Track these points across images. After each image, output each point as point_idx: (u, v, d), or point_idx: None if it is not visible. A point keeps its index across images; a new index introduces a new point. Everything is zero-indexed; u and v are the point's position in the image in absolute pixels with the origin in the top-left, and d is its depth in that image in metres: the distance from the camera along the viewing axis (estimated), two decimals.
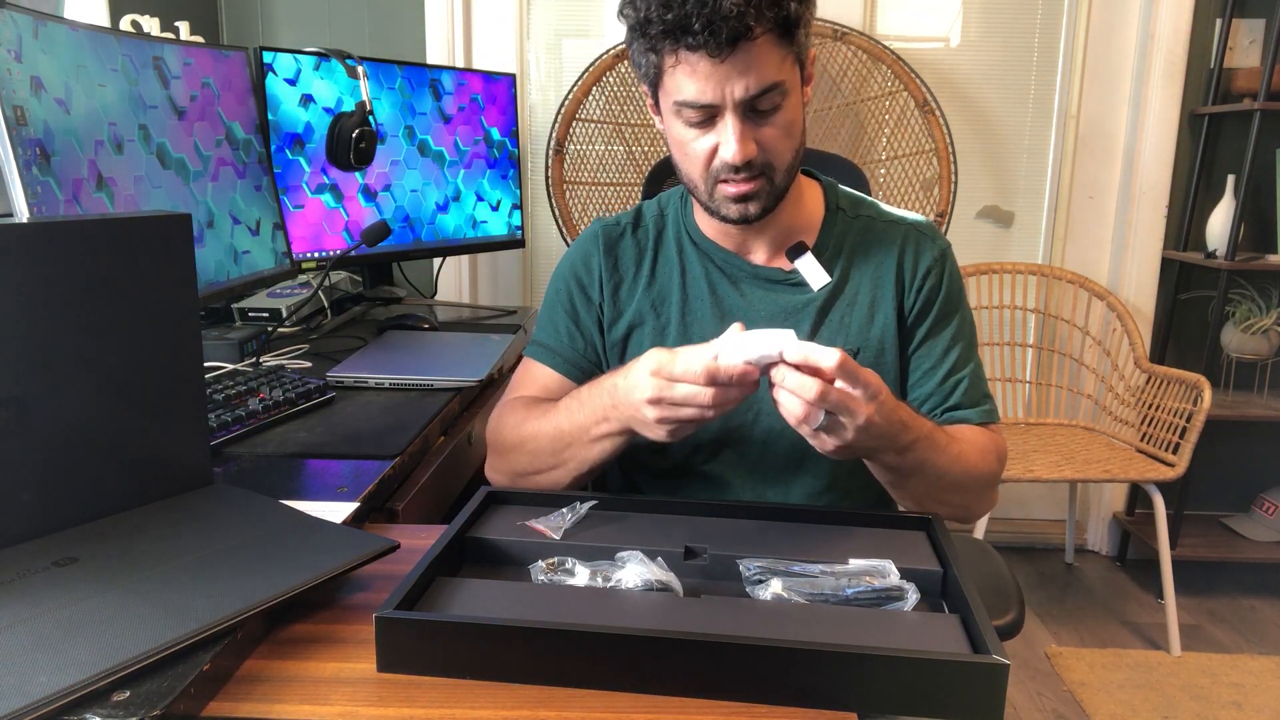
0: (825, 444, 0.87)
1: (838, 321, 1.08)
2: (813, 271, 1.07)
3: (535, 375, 1.13)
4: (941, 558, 0.83)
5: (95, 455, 0.80)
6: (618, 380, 0.92)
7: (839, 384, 0.83)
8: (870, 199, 1.16)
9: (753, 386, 0.86)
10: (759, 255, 1.10)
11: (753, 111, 0.95)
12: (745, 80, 0.92)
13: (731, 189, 0.99)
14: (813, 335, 1.07)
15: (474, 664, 0.67)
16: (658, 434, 0.89)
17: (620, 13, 0.97)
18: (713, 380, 0.83)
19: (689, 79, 0.93)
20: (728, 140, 0.95)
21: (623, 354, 1.12)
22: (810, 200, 1.12)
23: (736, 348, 0.84)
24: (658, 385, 0.86)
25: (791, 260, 1.08)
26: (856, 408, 0.84)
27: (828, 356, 0.82)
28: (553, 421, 1.01)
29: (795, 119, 0.98)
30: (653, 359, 0.87)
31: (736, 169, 0.97)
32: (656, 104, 1.01)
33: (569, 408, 0.99)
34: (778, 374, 0.83)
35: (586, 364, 1.12)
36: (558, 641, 0.67)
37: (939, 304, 1.09)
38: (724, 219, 1.03)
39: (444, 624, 0.68)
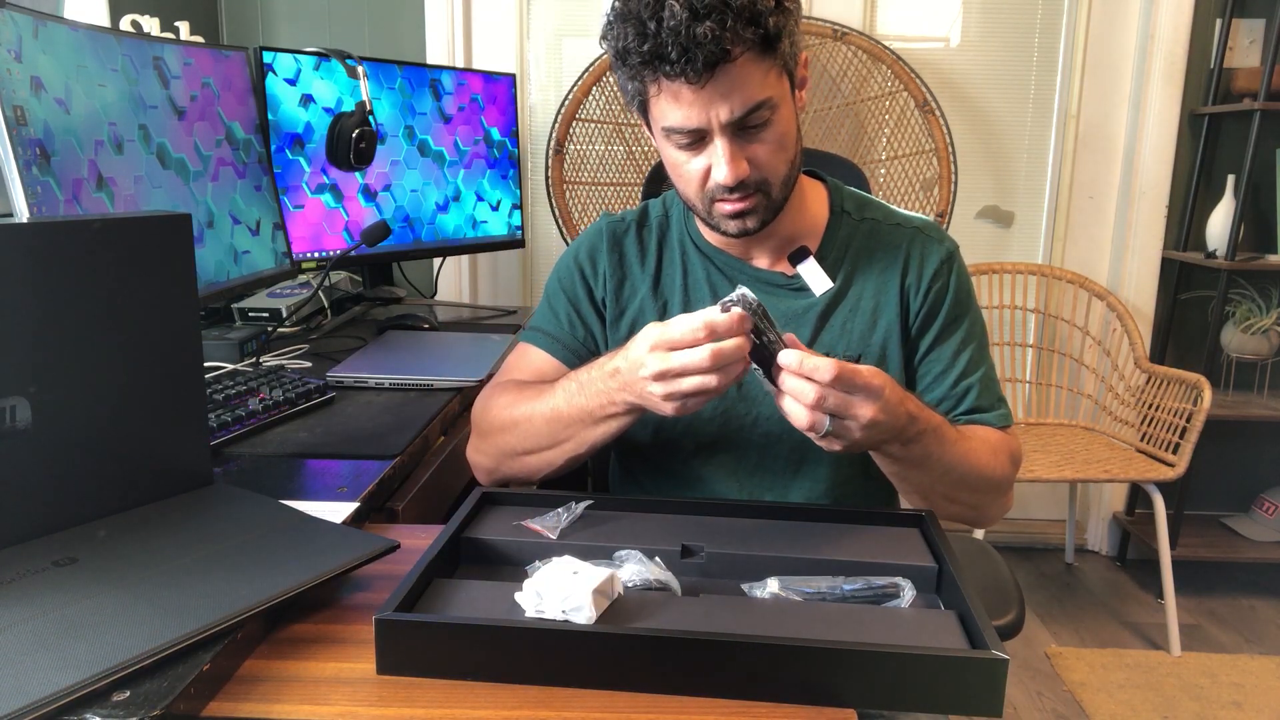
0: (832, 444, 0.87)
1: (839, 327, 1.07)
2: (815, 277, 1.06)
3: (530, 359, 1.12)
4: (936, 554, 0.83)
5: (95, 455, 0.81)
6: (619, 363, 0.91)
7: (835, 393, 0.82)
8: (877, 200, 1.14)
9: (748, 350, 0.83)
10: (762, 260, 1.09)
11: (742, 130, 0.94)
12: (729, 103, 0.91)
13: (728, 207, 0.98)
14: (814, 340, 1.07)
15: (474, 665, 0.67)
16: (665, 409, 0.88)
17: (601, 39, 0.95)
18: (711, 333, 0.81)
19: (672, 106, 0.92)
20: (718, 163, 0.94)
21: None
22: (815, 203, 1.11)
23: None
24: (659, 359, 0.84)
25: (794, 265, 1.07)
26: (857, 411, 0.83)
27: (823, 370, 0.81)
28: (549, 403, 0.99)
29: (787, 131, 0.97)
30: (649, 334, 0.86)
31: (730, 189, 0.96)
32: (648, 125, 1.01)
33: (568, 390, 0.98)
34: (781, 379, 0.83)
35: (585, 351, 1.11)
36: (557, 641, 0.67)
37: (947, 307, 1.07)
38: (724, 234, 1.03)
39: (444, 625, 0.68)
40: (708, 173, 0.97)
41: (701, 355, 0.81)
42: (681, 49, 0.87)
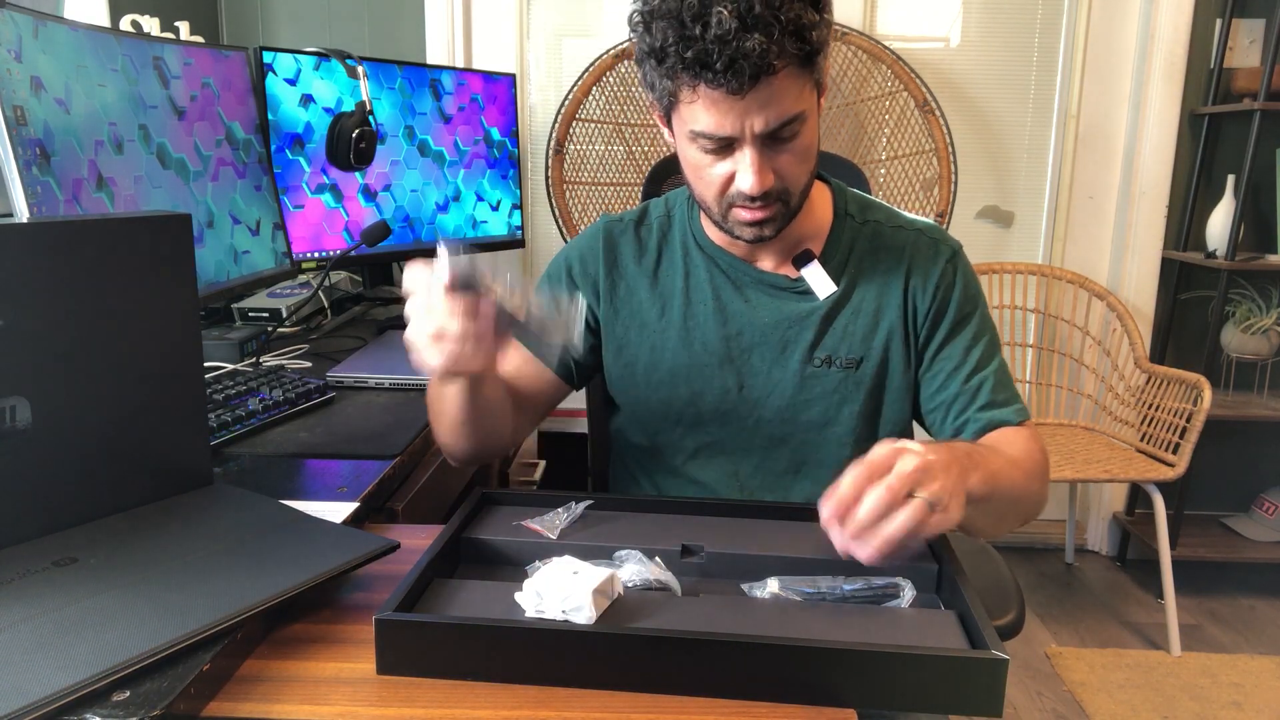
0: (949, 517, 0.74)
1: (841, 330, 1.07)
2: (819, 280, 1.06)
3: (510, 356, 1.12)
4: (936, 554, 0.83)
5: (95, 455, 0.80)
6: None
7: (879, 486, 0.72)
8: (879, 202, 1.14)
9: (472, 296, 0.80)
10: (766, 262, 1.09)
11: (771, 140, 0.93)
12: (765, 115, 0.90)
13: (746, 214, 0.97)
14: (816, 343, 1.06)
15: (474, 665, 0.67)
16: (432, 360, 0.83)
17: (632, 30, 0.93)
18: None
19: (706, 112, 0.91)
20: (745, 172, 0.93)
21: (620, 353, 1.12)
22: (819, 205, 1.10)
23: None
24: (416, 323, 0.82)
25: (798, 268, 1.07)
26: (910, 470, 0.72)
27: (848, 482, 0.72)
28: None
29: (812, 142, 0.97)
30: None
31: (753, 198, 0.95)
32: (667, 120, 0.99)
33: None
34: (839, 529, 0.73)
35: (564, 352, 1.11)
36: (557, 641, 0.67)
37: (955, 306, 1.07)
38: (738, 239, 1.02)
39: (444, 625, 0.68)
40: (731, 178, 0.96)
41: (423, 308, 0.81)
42: (728, 60, 0.85)
